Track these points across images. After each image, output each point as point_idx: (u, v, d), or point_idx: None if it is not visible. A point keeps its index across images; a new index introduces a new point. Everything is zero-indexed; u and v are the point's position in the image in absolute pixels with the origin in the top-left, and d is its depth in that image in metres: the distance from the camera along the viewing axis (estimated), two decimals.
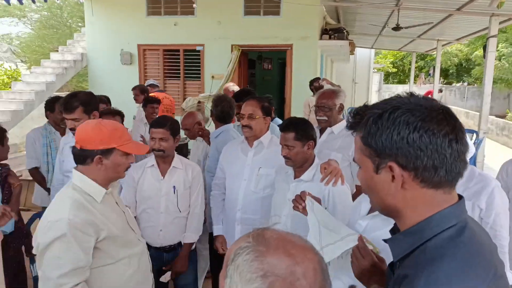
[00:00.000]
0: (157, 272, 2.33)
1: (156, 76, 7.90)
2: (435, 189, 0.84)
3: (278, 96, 11.43)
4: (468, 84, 23.64)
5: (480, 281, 0.77)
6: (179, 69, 7.83)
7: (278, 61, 11.88)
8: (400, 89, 21.19)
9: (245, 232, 2.31)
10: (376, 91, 19.24)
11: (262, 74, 11.61)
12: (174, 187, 2.40)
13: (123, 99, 7.68)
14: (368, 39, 12.79)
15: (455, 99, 20.97)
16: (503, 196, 1.70)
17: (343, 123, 2.61)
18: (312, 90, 6.17)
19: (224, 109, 2.96)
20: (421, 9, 7.03)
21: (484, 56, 7.00)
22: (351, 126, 1.04)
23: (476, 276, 0.78)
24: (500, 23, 6.83)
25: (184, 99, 7.82)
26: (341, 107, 2.65)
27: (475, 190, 1.66)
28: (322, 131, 2.74)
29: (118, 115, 3.29)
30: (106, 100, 4.08)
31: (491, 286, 0.78)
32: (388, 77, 25.77)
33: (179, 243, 2.48)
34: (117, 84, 7.87)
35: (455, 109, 16.98)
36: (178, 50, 7.74)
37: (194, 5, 5.08)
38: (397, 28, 7.05)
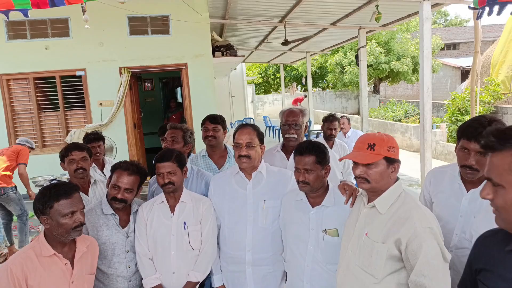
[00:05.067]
0: None
1: (28, 109, 6.69)
2: None
3: (163, 118, 10.95)
4: (323, 89, 26.69)
5: None
6: (57, 99, 6.77)
7: (159, 81, 11.40)
8: (271, 98, 22.65)
9: (258, 274, 2.09)
10: (250, 102, 20.13)
11: (144, 96, 10.96)
12: (184, 223, 2.16)
13: None
14: (243, 53, 13.32)
15: (317, 103, 23.34)
16: None
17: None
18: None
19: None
20: (302, 24, 7.61)
21: (357, 64, 7.92)
22: (492, 146, 1.01)
23: None
24: (366, 33, 7.85)
25: (68, 132, 6.85)
26: (306, 126, 2.64)
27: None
28: (286, 149, 2.66)
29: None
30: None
31: None
32: (255, 88, 27.29)
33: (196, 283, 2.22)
34: None
35: (321, 112, 18.92)
36: (53, 77, 6.69)
37: (87, 26, 4.42)
38: (285, 42, 7.47)
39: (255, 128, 2.20)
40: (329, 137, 4.32)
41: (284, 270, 2.15)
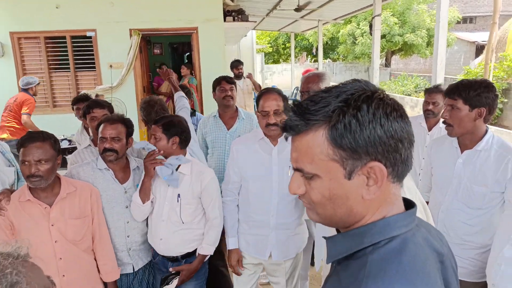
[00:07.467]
0: (162, 280, 2.20)
1: (39, 69, 6.71)
2: (398, 183, 0.75)
3: None
4: (333, 60, 26.24)
5: None
6: (67, 59, 6.77)
7: (168, 46, 11.30)
8: (280, 68, 22.38)
9: (282, 237, 2.16)
10: (259, 72, 19.92)
11: (153, 60, 10.89)
12: (178, 195, 2.12)
13: None
14: (254, 20, 13.03)
15: None
16: None
17: None
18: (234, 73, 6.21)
19: (159, 114, 2.62)
20: None
21: (370, 34, 7.76)
22: (295, 127, 0.74)
23: None
24: (382, 0, 7.63)
25: (78, 93, 6.88)
26: None
27: None
28: None
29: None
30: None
31: None
32: (265, 58, 26.91)
33: (183, 255, 2.22)
34: None
35: (330, 84, 18.72)
36: (64, 37, 6.66)
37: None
38: (299, 8, 7.31)
39: (279, 92, 2.09)
40: (426, 114, 3.06)
41: (303, 233, 2.24)
